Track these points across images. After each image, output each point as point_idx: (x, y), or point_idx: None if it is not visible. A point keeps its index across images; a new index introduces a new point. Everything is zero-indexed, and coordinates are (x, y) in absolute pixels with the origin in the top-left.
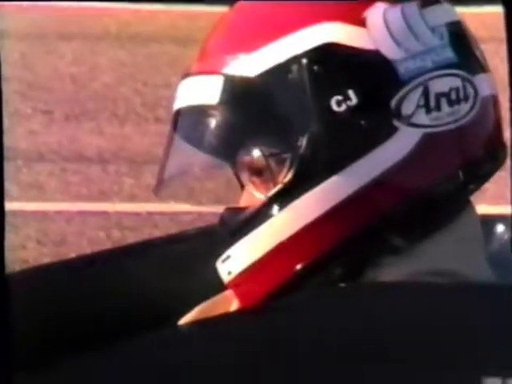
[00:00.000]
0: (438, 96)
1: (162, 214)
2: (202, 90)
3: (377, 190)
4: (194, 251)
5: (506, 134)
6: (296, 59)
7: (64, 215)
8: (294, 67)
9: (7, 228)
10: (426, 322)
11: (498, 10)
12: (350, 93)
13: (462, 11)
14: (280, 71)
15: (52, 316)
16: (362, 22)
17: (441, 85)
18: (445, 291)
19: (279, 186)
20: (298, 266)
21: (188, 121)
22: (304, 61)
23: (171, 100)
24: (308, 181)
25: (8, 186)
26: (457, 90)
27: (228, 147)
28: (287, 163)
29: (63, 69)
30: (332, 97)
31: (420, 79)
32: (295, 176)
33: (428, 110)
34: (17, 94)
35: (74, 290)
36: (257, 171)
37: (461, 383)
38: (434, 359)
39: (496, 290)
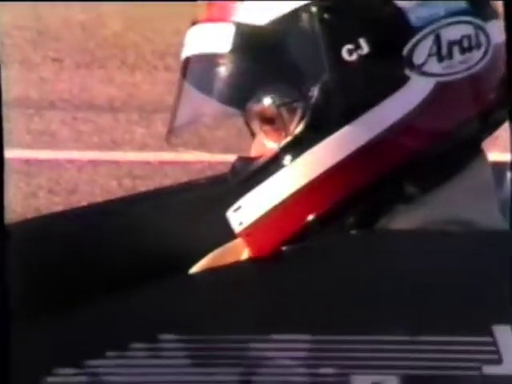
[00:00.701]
0: (450, 44)
1: (172, 163)
2: (212, 38)
3: (390, 140)
4: (204, 200)
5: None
6: (307, 7)
7: (75, 164)
8: (305, 15)
9: (19, 176)
10: (437, 269)
11: None
12: (362, 41)
13: None
14: (291, 19)
15: (65, 264)
16: None
17: (453, 32)
18: (457, 239)
19: (291, 136)
20: (311, 217)
21: (198, 68)
22: (314, 9)
23: (181, 48)
24: (320, 131)
25: (19, 134)
26: (469, 37)
27: (239, 95)
28: (299, 112)
29: (72, 16)
30: (343, 45)
31: (432, 27)
32: (307, 126)
33: (440, 58)
34: (27, 42)
35: (87, 238)
36: (268, 120)
37: (472, 330)
38: (445, 307)
39: (507, 237)
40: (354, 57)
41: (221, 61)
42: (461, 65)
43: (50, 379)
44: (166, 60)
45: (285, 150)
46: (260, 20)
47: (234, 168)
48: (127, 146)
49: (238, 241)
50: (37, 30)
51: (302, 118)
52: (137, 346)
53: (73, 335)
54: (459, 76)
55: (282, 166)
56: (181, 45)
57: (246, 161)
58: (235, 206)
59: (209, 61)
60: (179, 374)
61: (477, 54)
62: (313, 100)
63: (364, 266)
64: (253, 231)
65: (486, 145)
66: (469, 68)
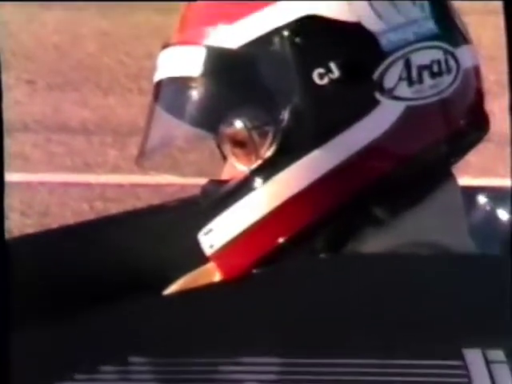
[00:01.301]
0: (420, 68)
1: (145, 185)
2: (182, 62)
3: (359, 163)
4: (176, 222)
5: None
6: (278, 31)
7: (48, 186)
8: (276, 39)
9: None
10: (406, 292)
11: None
12: (332, 65)
13: None
14: (262, 43)
15: (34, 285)
16: None
17: (423, 57)
18: (426, 262)
19: (262, 159)
20: (281, 239)
21: (169, 92)
22: (286, 33)
23: (154, 71)
24: (291, 154)
25: None
26: (439, 62)
27: (210, 119)
28: (270, 136)
29: (46, 38)
30: (314, 69)
31: (402, 52)
32: (278, 149)
33: (410, 83)
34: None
35: (57, 260)
36: (239, 143)
37: (442, 355)
38: (414, 331)
39: (477, 260)
40: (325, 81)
41: (192, 84)
42: (431, 89)
43: None
44: (139, 83)
45: (255, 173)
46: (232, 43)
47: (204, 191)
48: (100, 168)
49: (210, 265)
50: (10, 50)
51: (272, 142)
52: (106, 369)
53: (42, 356)
54: (429, 100)
55: (253, 189)
56: (154, 68)
57: (216, 184)
58: (206, 228)
59: (180, 84)
60: None
61: (447, 79)
62: (283, 123)
63: (334, 289)
64: (223, 254)
65: (457, 170)
66: (439, 93)
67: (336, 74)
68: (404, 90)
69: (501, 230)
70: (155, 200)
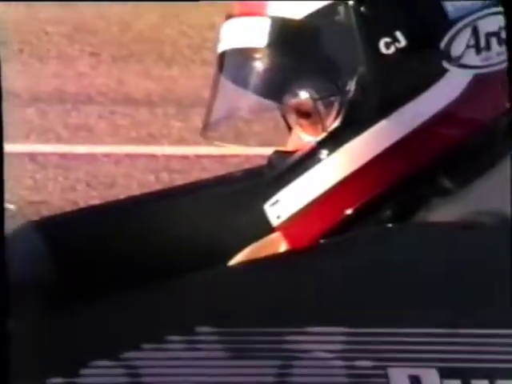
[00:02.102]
0: (488, 35)
1: (209, 156)
2: (248, 32)
3: (427, 134)
4: (241, 193)
5: None
6: (343, 1)
7: (113, 158)
8: (341, 9)
9: (57, 170)
10: (473, 261)
11: None
12: (399, 34)
13: None
14: (327, 13)
15: (102, 255)
16: None
17: (490, 24)
18: (496, 230)
19: (328, 130)
20: (348, 211)
21: (234, 62)
22: (351, 2)
23: (217, 42)
24: (357, 125)
25: (58, 128)
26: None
27: (275, 89)
28: (335, 107)
29: (107, 10)
30: (380, 39)
31: (469, 18)
32: (344, 120)
33: (478, 50)
34: (63, 37)
35: (126, 230)
36: (304, 114)
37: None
38: (482, 299)
39: None
40: (392, 50)
41: (257, 55)
42: (499, 56)
43: (86, 371)
44: (202, 54)
45: (322, 144)
46: (296, 14)
47: (270, 162)
48: (164, 140)
49: (276, 234)
50: (72, 24)
51: (338, 113)
52: (173, 339)
53: (109, 328)
54: (497, 68)
55: (320, 160)
56: (216, 39)
57: (282, 154)
58: (273, 199)
59: (245, 55)
60: (215, 367)
61: None
62: (350, 94)
63: (401, 258)
64: (291, 225)
65: None
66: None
67: (402, 42)
68: (472, 57)
69: None
70: (220, 171)
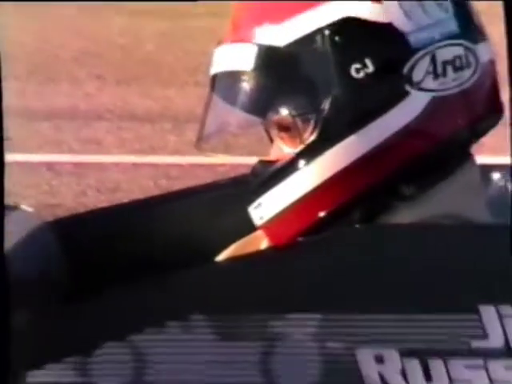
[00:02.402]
0: (444, 63)
1: (201, 166)
2: (236, 58)
3: (390, 148)
4: (228, 197)
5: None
6: (320, 31)
7: (119, 167)
8: (319, 38)
9: (70, 178)
10: (431, 257)
11: None
12: (367, 61)
13: None
14: (306, 41)
15: (111, 251)
16: None
17: (446, 53)
18: (448, 231)
19: (305, 143)
20: (322, 213)
21: (224, 83)
22: (327, 32)
23: (209, 65)
24: (331, 139)
25: (71, 141)
26: (460, 57)
27: (259, 106)
28: (312, 123)
29: (112, 38)
30: (351, 65)
31: (428, 49)
32: (319, 134)
33: (435, 76)
34: (72, 61)
35: (129, 231)
36: (285, 128)
37: (461, 310)
38: (438, 289)
39: (493, 230)
40: (361, 74)
41: (244, 77)
42: (453, 82)
43: (98, 351)
44: (196, 77)
45: (300, 155)
46: (279, 41)
47: (254, 170)
48: (162, 151)
49: (258, 233)
50: (81, 49)
51: (314, 128)
52: (172, 324)
53: (117, 315)
54: (452, 91)
55: (298, 169)
56: (209, 63)
57: (265, 164)
58: (256, 203)
59: (234, 77)
60: (208, 348)
61: (467, 72)
62: (324, 112)
63: (367, 255)
64: (272, 225)
65: (474, 149)
66: (460, 84)
67: (371, 68)
68: (430, 82)
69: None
70: (211, 178)
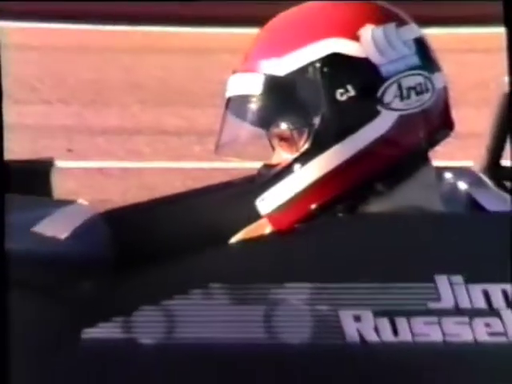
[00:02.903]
0: (409, 89)
1: (219, 169)
2: (247, 84)
3: (366, 155)
4: (240, 193)
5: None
6: (312, 64)
7: (155, 171)
8: (311, 69)
9: (118, 180)
10: (398, 238)
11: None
12: (349, 87)
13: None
14: (301, 72)
15: (148, 236)
16: (357, 38)
17: (410, 81)
18: (411, 219)
19: (300, 151)
20: (314, 206)
21: (236, 104)
22: (318, 65)
23: (225, 91)
24: (320, 148)
25: (118, 152)
26: (421, 84)
27: (264, 122)
28: (305, 135)
29: (152, 72)
30: (337, 90)
31: (396, 77)
32: (311, 144)
33: (401, 99)
34: (122, 90)
35: (162, 219)
36: (284, 139)
37: (420, 279)
38: (403, 263)
39: (446, 217)
40: (344, 97)
41: (253, 99)
42: (416, 103)
43: (136, 313)
44: (215, 100)
45: (296, 160)
46: (281, 72)
47: (260, 172)
48: (189, 158)
49: (263, 221)
50: (127, 81)
51: (307, 138)
52: (195, 291)
53: (153, 285)
54: (414, 111)
55: (294, 171)
56: (225, 89)
57: (268, 167)
58: (261, 197)
59: (244, 98)
60: (224, 310)
61: (426, 96)
62: (315, 127)
63: (349, 237)
64: (274, 214)
65: (431, 155)
66: (421, 105)
67: (352, 93)
68: (397, 103)
69: (461, 196)
70: (226, 178)
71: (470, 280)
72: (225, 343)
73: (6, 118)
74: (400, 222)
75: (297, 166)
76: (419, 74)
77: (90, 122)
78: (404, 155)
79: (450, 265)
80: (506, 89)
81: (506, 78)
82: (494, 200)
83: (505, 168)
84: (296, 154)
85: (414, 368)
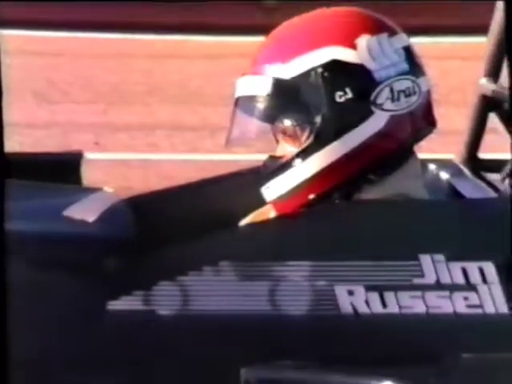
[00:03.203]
0: (399, 92)
1: (228, 161)
2: (256, 85)
3: (361, 150)
4: (247, 182)
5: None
6: (314, 69)
7: (171, 162)
8: (313, 74)
9: (138, 170)
10: (388, 222)
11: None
12: (347, 90)
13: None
14: (305, 76)
15: (166, 219)
16: (354, 46)
17: (400, 85)
18: (400, 204)
19: (302, 146)
20: (313, 194)
21: (245, 102)
22: (319, 70)
23: (234, 92)
24: (320, 143)
25: (139, 145)
26: (409, 88)
27: (270, 118)
28: (307, 131)
29: (170, 76)
30: (336, 92)
31: (388, 82)
32: (313, 140)
33: (392, 101)
34: (143, 92)
35: (178, 204)
36: (288, 134)
37: (406, 258)
38: (391, 244)
39: (429, 203)
40: (343, 99)
41: (261, 98)
42: (405, 105)
43: (155, 287)
44: (226, 100)
45: (299, 154)
46: (286, 75)
47: (265, 163)
48: (202, 151)
49: (267, 207)
50: (147, 83)
51: (309, 135)
52: (206, 269)
53: (170, 262)
54: (403, 111)
55: (297, 163)
56: (234, 90)
57: (273, 158)
58: (266, 185)
59: (253, 98)
60: (232, 286)
61: (414, 98)
62: (316, 124)
63: (344, 221)
64: (278, 201)
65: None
66: (409, 106)
67: (349, 95)
68: (389, 105)
69: (443, 185)
70: (235, 169)
71: (450, 258)
72: (233, 315)
73: (42, 117)
74: (389, 208)
75: (300, 159)
76: (408, 79)
77: (114, 119)
78: (394, 150)
79: (433, 245)
80: (481, 91)
81: (482, 81)
82: (471, 188)
83: (482, 160)
84: (299, 148)
85: (401, 336)
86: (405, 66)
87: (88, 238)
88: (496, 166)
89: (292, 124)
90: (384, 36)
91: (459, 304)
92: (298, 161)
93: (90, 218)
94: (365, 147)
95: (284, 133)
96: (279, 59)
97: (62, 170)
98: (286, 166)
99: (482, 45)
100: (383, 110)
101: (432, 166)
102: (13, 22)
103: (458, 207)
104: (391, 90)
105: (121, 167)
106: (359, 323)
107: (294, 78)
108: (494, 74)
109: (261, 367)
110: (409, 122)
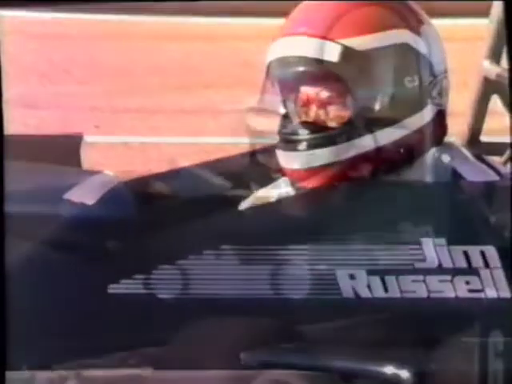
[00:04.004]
0: (445, 89)
1: (229, 143)
2: (322, 50)
3: (407, 140)
4: (249, 164)
5: None
6: (386, 47)
7: (172, 146)
8: (388, 51)
9: (138, 152)
10: (397, 202)
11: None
12: (415, 77)
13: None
14: (377, 52)
15: (166, 200)
16: (420, 34)
17: (445, 82)
18: (401, 187)
19: (349, 123)
20: (349, 174)
21: (290, 64)
22: (390, 50)
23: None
24: (377, 124)
25: (140, 128)
26: (447, 87)
27: (321, 84)
28: (360, 108)
29: (172, 57)
30: (405, 77)
31: (440, 77)
32: (367, 120)
33: (441, 96)
34: (144, 73)
35: (179, 186)
36: (334, 103)
37: (409, 242)
38: (394, 225)
39: (431, 186)
40: (410, 85)
41: (321, 64)
42: (446, 102)
43: (155, 271)
44: (226, 80)
45: (339, 134)
46: (359, 47)
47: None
48: (203, 134)
49: (270, 188)
50: (147, 64)
51: (363, 113)
52: (208, 252)
53: (170, 245)
54: (445, 107)
55: (343, 140)
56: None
57: (307, 124)
58: (310, 152)
59: (308, 62)
60: (233, 270)
61: (448, 97)
62: (377, 106)
63: (347, 205)
64: (313, 171)
65: None
66: (446, 103)
67: (416, 82)
68: (439, 99)
69: (445, 168)
70: (235, 152)
71: (452, 242)
72: (234, 299)
73: (42, 98)
74: (390, 191)
75: (343, 137)
76: (446, 78)
77: (115, 101)
78: (431, 142)
79: (435, 229)
80: (484, 74)
81: (484, 64)
82: (473, 171)
83: (484, 143)
84: (344, 126)
85: (402, 321)
86: (447, 65)
87: (88, 220)
88: (498, 149)
89: (352, 99)
90: (434, 27)
91: (461, 288)
92: (341, 139)
93: (90, 200)
94: (410, 137)
95: (329, 103)
96: (354, 33)
97: (63, 152)
98: (334, 138)
99: (483, 27)
100: (434, 103)
101: (433, 149)
102: (15, 4)
103: (459, 190)
104: (441, 86)
105: (122, 149)
106: (361, 307)
107: (367, 51)
108: (496, 55)
109: (261, 351)
110: (444, 120)
